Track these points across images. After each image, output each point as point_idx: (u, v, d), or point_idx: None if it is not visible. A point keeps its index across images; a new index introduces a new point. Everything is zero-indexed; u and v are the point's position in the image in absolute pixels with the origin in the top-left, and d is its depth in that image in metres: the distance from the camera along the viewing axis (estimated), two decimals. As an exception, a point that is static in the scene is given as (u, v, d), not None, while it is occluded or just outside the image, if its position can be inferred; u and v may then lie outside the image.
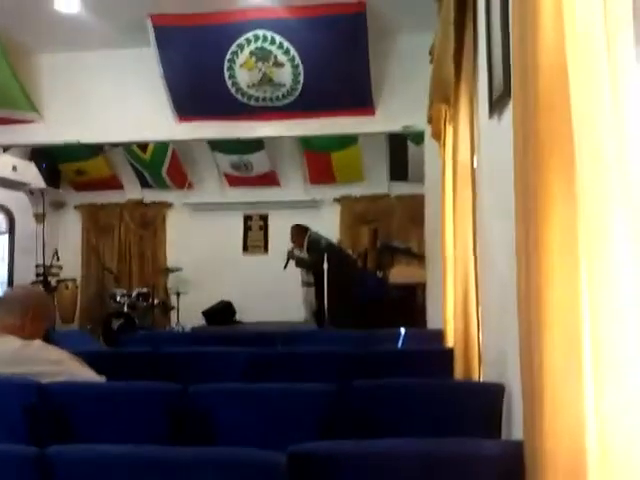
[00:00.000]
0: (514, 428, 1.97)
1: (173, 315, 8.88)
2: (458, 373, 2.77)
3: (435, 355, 3.20)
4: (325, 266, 6.52)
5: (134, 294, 8.37)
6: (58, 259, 8.69)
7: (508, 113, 2.13)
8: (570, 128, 1.12)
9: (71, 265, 9.20)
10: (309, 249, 7.05)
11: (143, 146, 8.58)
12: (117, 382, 2.42)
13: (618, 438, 1.00)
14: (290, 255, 7.13)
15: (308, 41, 5.98)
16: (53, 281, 8.65)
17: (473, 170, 2.82)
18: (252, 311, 8.59)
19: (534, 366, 1.21)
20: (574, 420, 1.12)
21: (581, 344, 1.13)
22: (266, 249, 9.55)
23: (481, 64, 2.69)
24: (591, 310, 1.07)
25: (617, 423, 1.01)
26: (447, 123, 3.64)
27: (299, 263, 7.10)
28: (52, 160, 8.98)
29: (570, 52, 1.12)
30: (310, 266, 6.95)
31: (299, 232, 7.26)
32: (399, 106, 6.19)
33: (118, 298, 8.29)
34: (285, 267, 7.19)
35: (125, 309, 8.13)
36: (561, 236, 1.15)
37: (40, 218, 8.82)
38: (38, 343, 2.44)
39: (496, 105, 2.38)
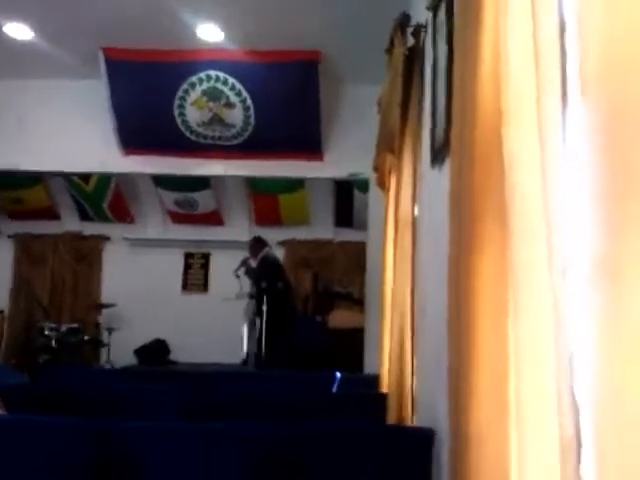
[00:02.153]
0: (443, 473, 1.98)
1: (104, 352, 8.57)
2: (391, 418, 2.77)
3: (369, 400, 3.19)
4: (264, 284, 6.73)
5: (63, 329, 8.05)
6: (-14, 289, 8.31)
7: (449, 163, 2.20)
8: (502, 181, 1.18)
9: (-1, 295, 8.82)
10: (259, 262, 7.12)
11: (85, 178, 8.42)
12: (37, 417, 2.30)
13: (538, 481, 1.02)
14: (244, 262, 7.21)
15: (261, 85, 6.08)
16: (-21, 312, 8.25)
17: (414, 219, 2.89)
18: (188, 351, 8.38)
19: (461, 411, 1.23)
20: (498, 464, 1.14)
21: (506, 389, 1.16)
22: (206, 288, 9.40)
23: (426, 116, 2.79)
24: (516, 356, 1.10)
25: (537, 469, 1.03)
26: (391, 172, 3.74)
27: (247, 272, 7.22)
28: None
29: (505, 110, 1.19)
30: (255, 278, 7.02)
31: (255, 244, 7.36)
32: (347, 153, 6.32)
33: (46, 332, 7.95)
34: (235, 271, 7.22)
35: (53, 344, 7.80)
36: (490, 283, 1.19)
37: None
38: None
39: (438, 155, 2.46)
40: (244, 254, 7.54)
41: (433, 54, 2.67)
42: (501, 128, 1.19)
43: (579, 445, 0.97)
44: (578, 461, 0.96)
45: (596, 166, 0.87)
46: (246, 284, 7.44)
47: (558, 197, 0.97)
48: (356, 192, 8.14)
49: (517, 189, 1.09)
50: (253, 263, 7.26)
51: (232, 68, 6.01)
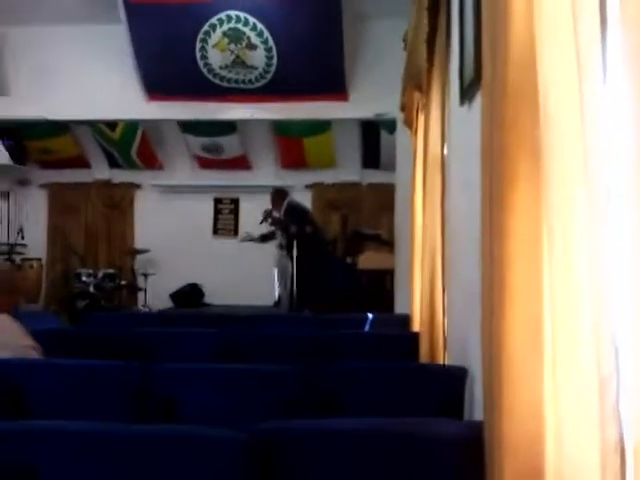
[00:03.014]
0: (476, 410, 2.00)
1: (140, 297, 8.79)
2: (423, 357, 2.80)
3: (401, 339, 3.22)
4: (293, 229, 6.68)
5: (100, 275, 8.26)
6: (23, 238, 8.51)
7: (478, 100, 2.13)
8: (537, 114, 1.13)
9: (36, 244, 9.03)
10: (286, 212, 7.09)
11: (112, 125, 8.43)
12: (78, 360, 2.39)
13: (573, 419, 1.02)
14: (268, 214, 7.14)
15: (282, 23, 5.93)
16: (17, 260, 8.47)
17: (443, 158, 2.84)
18: (221, 294, 8.55)
19: (494, 348, 1.23)
20: (532, 401, 1.14)
21: (541, 327, 1.15)
22: (236, 233, 9.48)
23: (453, 51, 2.69)
24: (551, 294, 1.09)
25: (573, 405, 1.02)
26: (419, 111, 3.65)
27: (274, 222, 7.13)
28: (18, 137, 8.76)
29: (539, 40, 1.13)
30: (283, 227, 7.00)
31: (278, 195, 7.31)
32: (373, 92, 6.19)
33: (84, 278, 8.16)
34: (261, 222, 7.20)
35: (91, 290, 8.02)
36: (524, 220, 1.16)
37: (5, 195, 8.59)
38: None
39: (467, 92, 2.39)
40: (271, 198, 7.52)
41: (461, -17, 2.55)
42: (535, 58, 1.14)
43: (618, 381, 0.96)
44: (617, 398, 0.95)
45: (638, 94, 0.83)
46: (257, 230, 7.39)
47: (598, 129, 0.93)
48: (383, 133, 8.00)
49: (553, 122, 1.04)
50: (277, 214, 7.19)
51: (252, 7, 5.87)
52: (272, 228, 7.27)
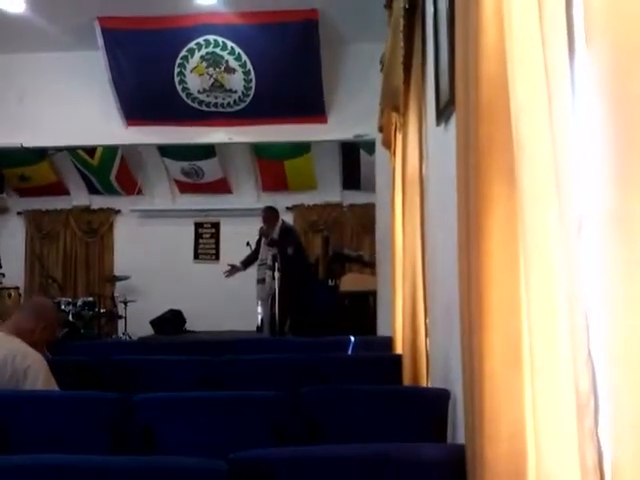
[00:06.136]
0: (458, 433, 1.99)
1: (120, 324, 8.67)
2: (407, 379, 2.78)
3: (384, 362, 3.21)
4: (274, 251, 6.52)
5: (79, 303, 8.14)
6: (0, 266, 8.37)
7: (455, 120, 2.15)
8: (510, 135, 1.14)
9: (14, 273, 8.87)
10: (281, 232, 6.94)
11: (91, 151, 8.38)
12: (57, 391, 2.34)
13: (553, 440, 1.01)
14: (264, 233, 6.87)
15: (260, 47, 5.98)
16: (-5, 289, 8.33)
17: (422, 178, 2.85)
18: (203, 320, 8.46)
19: (474, 370, 1.23)
20: (513, 424, 1.13)
21: (520, 348, 1.15)
22: (217, 257, 9.43)
23: (429, 72, 2.73)
24: (529, 313, 1.09)
25: (553, 426, 1.02)
26: (397, 131, 3.68)
27: (273, 242, 6.85)
28: (-5, 165, 8.68)
29: (510, 62, 1.15)
30: (282, 248, 6.81)
31: (272, 214, 7.05)
32: (351, 114, 6.24)
33: (63, 307, 8.03)
34: (256, 244, 7.02)
35: (70, 318, 7.89)
36: (501, 240, 1.17)
37: (-19, 224, 8.45)
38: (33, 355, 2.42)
39: (443, 113, 2.41)
40: (253, 221, 7.45)
41: (434, 7, 2.60)
42: (507, 80, 1.15)
43: (596, 403, 0.96)
44: (595, 418, 0.95)
45: (606, 118, 0.84)
46: (240, 251, 7.27)
47: (568, 152, 0.94)
48: (362, 153, 8.05)
49: (525, 145, 1.05)
50: (274, 234, 7.03)
51: (230, 31, 5.91)
52: (250, 251, 7.16)
